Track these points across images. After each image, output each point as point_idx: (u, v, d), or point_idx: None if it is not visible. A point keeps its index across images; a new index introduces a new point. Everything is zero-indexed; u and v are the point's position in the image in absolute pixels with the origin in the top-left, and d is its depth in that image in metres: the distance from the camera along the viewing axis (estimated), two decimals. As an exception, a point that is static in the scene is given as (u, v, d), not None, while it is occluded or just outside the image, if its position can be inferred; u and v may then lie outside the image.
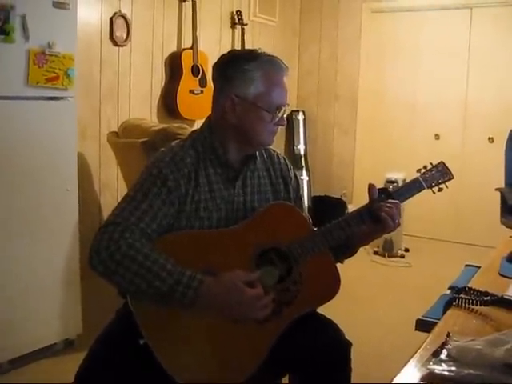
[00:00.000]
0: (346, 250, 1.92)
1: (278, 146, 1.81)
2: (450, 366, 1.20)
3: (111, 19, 4.22)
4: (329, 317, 1.91)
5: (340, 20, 6.36)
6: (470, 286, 1.80)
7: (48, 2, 2.89)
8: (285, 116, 1.84)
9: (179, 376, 1.64)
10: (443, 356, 1.23)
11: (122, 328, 1.77)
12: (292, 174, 2.01)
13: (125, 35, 4.34)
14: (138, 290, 1.60)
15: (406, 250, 5.42)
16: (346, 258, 1.97)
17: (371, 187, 1.88)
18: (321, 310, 1.90)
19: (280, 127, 1.87)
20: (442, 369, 1.19)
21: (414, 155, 5.75)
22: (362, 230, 1.85)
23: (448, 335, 1.33)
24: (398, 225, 1.85)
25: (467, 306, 1.65)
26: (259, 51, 1.82)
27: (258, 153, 1.91)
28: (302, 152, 6.34)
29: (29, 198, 2.93)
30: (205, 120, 1.91)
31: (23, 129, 2.88)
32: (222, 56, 1.89)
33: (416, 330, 2.00)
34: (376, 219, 1.82)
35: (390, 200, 1.85)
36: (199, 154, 1.81)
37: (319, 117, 6.53)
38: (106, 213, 4.22)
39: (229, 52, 1.96)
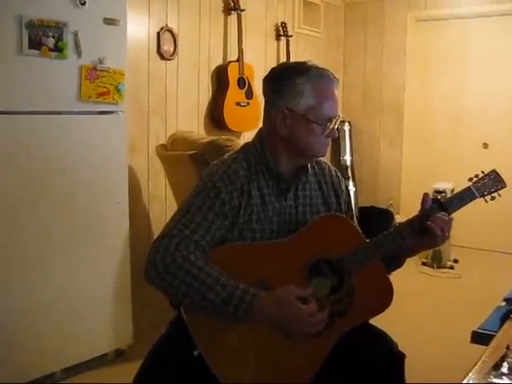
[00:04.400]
0: (393, 261, 1.90)
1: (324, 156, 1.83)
2: (512, 379, 1.18)
3: (158, 34, 4.29)
4: (379, 328, 1.90)
5: (385, 30, 6.33)
6: (527, 297, 1.76)
7: (99, 19, 2.96)
8: (336, 127, 1.84)
9: (233, 387, 1.65)
10: (504, 369, 1.21)
11: (176, 339, 1.78)
12: (343, 187, 2.01)
13: (172, 49, 4.40)
14: (192, 303, 1.62)
15: (455, 261, 5.33)
16: (394, 270, 1.94)
17: (425, 197, 1.86)
18: (371, 321, 1.88)
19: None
20: (503, 382, 1.17)
21: (462, 165, 5.67)
22: (411, 241, 1.83)
23: (508, 348, 1.30)
24: (447, 238, 1.83)
25: (525, 318, 1.62)
26: (309, 64, 1.83)
27: (309, 165, 1.91)
28: (349, 162, 6.32)
29: (81, 211, 2.99)
30: (256, 132, 1.92)
31: (76, 143, 2.95)
32: (272, 69, 1.90)
33: (472, 342, 1.97)
34: (426, 231, 1.80)
35: (442, 213, 1.82)
36: (251, 166, 1.82)
37: (365, 127, 6.50)
38: (155, 225, 4.27)
39: (279, 65, 1.98)
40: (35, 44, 2.71)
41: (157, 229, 4.04)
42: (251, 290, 1.60)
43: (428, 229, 1.79)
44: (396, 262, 1.92)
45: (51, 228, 2.88)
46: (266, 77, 1.89)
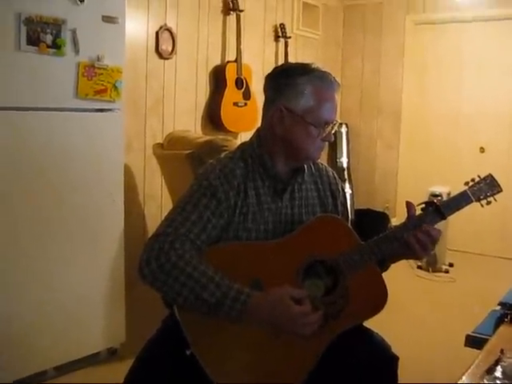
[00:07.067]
0: (380, 265, 1.88)
1: (320, 158, 1.83)
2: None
3: (157, 33, 4.29)
4: (372, 331, 1.90)
5: (383, 32, 6.34)
6: (521, 302, 1.76)
7: (98, 17, 2.95)
8: (333, 132, 1.83)
9: (225, 386, 1.64)
10: (498, 373, 1.20)
11: (168, 338, 1.77)
12: (340, 188, 2.01)
13: (170, 48, 4.40)
14: (186, 302, 1.61)
15: (451, 265, 5.32)
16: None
17: (408, 204, 1.85)
18: (365, 324, 1.88)
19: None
20: (496, 386, 1.16)
21: (458, 169, 5.68)
22: (399, 248, 1.82)
23: (502, 352, 1.30)
24: (432, 249, 1.82)
25: (520, 322, 1.61)
26: (313, 66, 1.82)
27: (306, 166, 1.91)
28: (345, 165, 6.33)
29: (76, 209, 2.98)
30: (254, 132, 1.92)
31: (72, 140, 2.94)
32: (275, 68, 1.91)
33: (466, 346, 1.96)
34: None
35: (426, 226, 1.81)
36: (248, 165, 1.82)
37: (362, 130, 6.50)
38: (151, 223, 4.27)
39: (282, 64, 1.99)
40: (33, 40, 2.70)
41: (152, 228, 4.03)
42: (245, 291, 1.60)
43: (407, 243, 1.78)
44: (382, 266, 1.90)
45: (46, 225, 2.87)
46: (268, 74, 1.89)
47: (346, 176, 6.27)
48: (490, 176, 1.98)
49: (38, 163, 2.82)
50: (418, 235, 1.78)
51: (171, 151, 3.72)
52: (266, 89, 1.88)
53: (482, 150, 5.90)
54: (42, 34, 2.73)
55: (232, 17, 4.88)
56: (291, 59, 5.48)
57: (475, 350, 1.72)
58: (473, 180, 1.96)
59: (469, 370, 1.27)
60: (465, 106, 5.97)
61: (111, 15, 3.00)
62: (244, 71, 4.81)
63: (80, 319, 3.04)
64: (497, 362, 1.24)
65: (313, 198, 1.92)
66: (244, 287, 1.61)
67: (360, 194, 6.40)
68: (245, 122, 4.74)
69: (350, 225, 1.93)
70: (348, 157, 6.38)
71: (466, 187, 1.94)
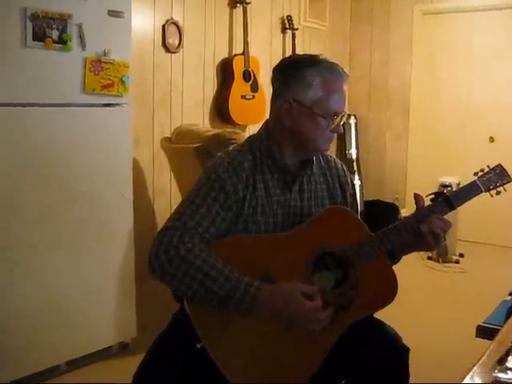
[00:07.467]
0: (391, 257, 1.87)
1: (330, 150, 1.84)
2: (517, 374, 1.17)
3: (163, 26, 4.28)
4: (383, 323, 1.89)
5: (391, 23, 6.30)
6: (532, 292, 1.75)
7: (103, 11, 2.95)
8: (341, 123, 1.83)
9: (236, 379, 1.64)
10: (509, 364, 1.20)
11: (179, 332, 1.77)
12: (349, 180, 2.00)
13: (177, 42, 4.39)
14: (196, 295, 1.61)
15: (461, 256, 5.30)
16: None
17: (416, 196, 1.85)
18: (375, 315, 1.88)
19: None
20: (508, 377, 1.15)
21: (468, 159, 5.65)
22: (410, 238, 1.82)
23: (513, 342, 1.29)
24: (443, 240, 1.81)
25: (531, 312, 1.60)
26: (321, 57, 1.82)
27: (314, 158, 1.90)
28: (354, 156, 6.31)
29: (84, 204, 2.98)
30: (262, 124, 1.91)
31: (79, 135, 2.94)
32: (282, 59, 1.91)
33: (477, 336, 1.96)
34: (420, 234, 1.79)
35: (438, 216, 1.80)
36: (256, 158, 1.81)
37: (371, 121, 6.48)
38: (160, 217, 4.27)
39: (290, 56, 1.98)
40: (39, 36, 2.70)
41: (161, 222, 4.03)
42: (255, 284, 1.59)
43: (421, 234, 1.78)
44: (393, 258, 1.89)
45: (54, 221, 2.88)
46: (275, 66, 1.88)
47: (355, 168, 6.25)
48: (500, 166, 1.97)
49: (46, 159, 2.82)
50: (432, 224, 1.77)
51: (179, 145, 3.73)
52: (273, 81, 1.88)
53: (492, 139, 5.86)
54: (48, 30, 2.73)
55: (239, 9, 4.87)
56: (299, 51, 5.45)
57: (486, 340, 1.71)
58: (482, 170, 1.96)
59: (480, 361, 1.26)
60: (474, 96, 5.92)
61: (117, 9, 2.99)
62: (251, 64, 4.80)
63: (91, 314, 3.05)
64: (508, 353, 1.24)
65: (322, 191, 1.91)
66: (254, 280, 1.60)
67: (369, 185, 6.38)
68: (253, 115, 4.74)
69: (359, 216, 1.93)
70: (357, 148, 6.36)
71: (476, 177, 1.93)
